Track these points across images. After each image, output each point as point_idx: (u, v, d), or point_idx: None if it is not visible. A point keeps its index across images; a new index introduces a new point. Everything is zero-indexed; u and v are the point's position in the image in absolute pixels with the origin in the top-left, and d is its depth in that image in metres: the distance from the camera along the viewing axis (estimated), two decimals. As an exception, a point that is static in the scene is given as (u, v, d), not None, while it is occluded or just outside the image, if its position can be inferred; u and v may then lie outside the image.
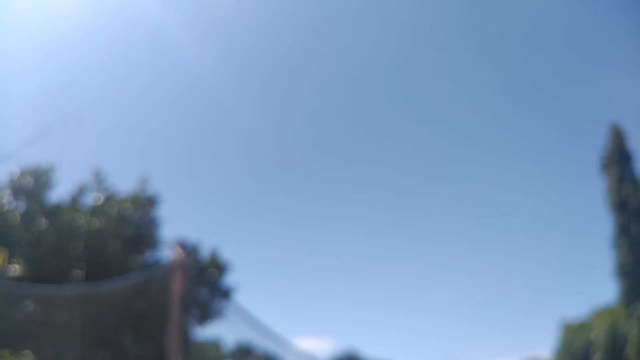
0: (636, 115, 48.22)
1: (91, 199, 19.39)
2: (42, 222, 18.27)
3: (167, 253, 11.26)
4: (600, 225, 27.64)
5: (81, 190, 19.53)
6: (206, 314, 20.69)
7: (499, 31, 52.76)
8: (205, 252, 20.75)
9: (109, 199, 19.65)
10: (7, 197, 18.50)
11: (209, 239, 25.03)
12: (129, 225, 19.37)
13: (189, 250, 10.91)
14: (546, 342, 34.55)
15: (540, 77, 54.02)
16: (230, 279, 21.32)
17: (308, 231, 53.45)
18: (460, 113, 54.63)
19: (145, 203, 19.75)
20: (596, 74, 50.54)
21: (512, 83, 54.16)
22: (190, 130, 50.83)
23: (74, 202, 19.24)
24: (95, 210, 19.10)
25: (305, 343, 44.55)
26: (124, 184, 20.43)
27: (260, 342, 23.79)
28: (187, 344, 20.56)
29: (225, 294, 20.99)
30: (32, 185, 19.32)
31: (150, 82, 44.36)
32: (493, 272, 49.54)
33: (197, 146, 53.03)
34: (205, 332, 21.63)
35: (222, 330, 22.10)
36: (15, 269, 16.31)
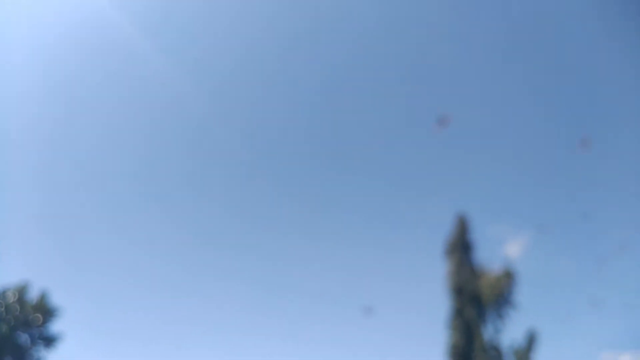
0: (481, 207, 53.60)
1: None
2: None
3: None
4: (441, 307, 29.55)
5: None
6: (23, 362, 19.13)
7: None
8: (33, 294, 19.55)
9: None
10: None
11: (42, 282, 23.56)
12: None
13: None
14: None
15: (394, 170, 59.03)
16: (57, 327, 20.08)
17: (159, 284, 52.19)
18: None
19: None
20: (445, 167, 56.21)
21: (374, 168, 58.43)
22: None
23: None
24: None
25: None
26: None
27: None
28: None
29: (48, 341, 19.64)
30: None
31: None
32: (340, 347, 50.70)
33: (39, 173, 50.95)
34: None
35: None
36: None
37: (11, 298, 18.81)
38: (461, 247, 30.14)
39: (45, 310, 19.67)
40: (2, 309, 18.49)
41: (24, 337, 19.31)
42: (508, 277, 29.70)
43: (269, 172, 59.32)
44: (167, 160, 58.36)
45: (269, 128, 59.75)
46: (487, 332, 28.47)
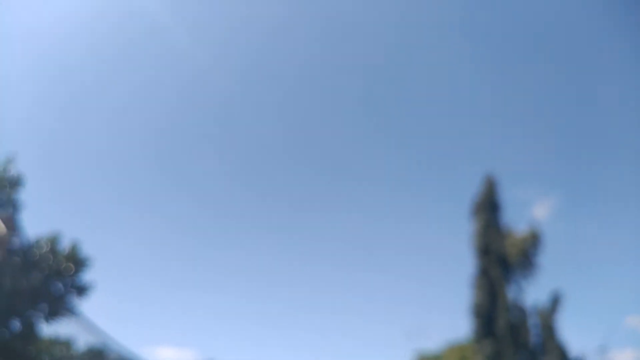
0: (510, 168, 52.93)
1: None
2: None
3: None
4: (464, 267, 29.45)
5: None
6: (56, 310, 19.61)
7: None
8: (65, 245, 19.83)
9: (-34, 174, 18.38)
10: None
11: (73, 232, 23.97)
12: (-16, 205, 18.14)
13: (16, 228, 10.32)
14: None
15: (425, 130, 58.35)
16: (88, 276, 20.41)
17: (175, 241, 53.35)
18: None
19: (5, 184, 18.65)
20: (474, 129, 55.37)
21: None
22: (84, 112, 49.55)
23: None
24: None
25: (166, 353, 43.59)
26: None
27: (114, 347, 22.93)
28: (32, 339, 19.40)
29: (80, 290, 20.04)
30: None
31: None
32: (362, 299, 51.58)
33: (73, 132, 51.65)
34: (55, 329, 20.46)
35: (73, 330, 21.05)
36: None
37: (44, 248, 19.10)
38: (488, 207, 29.78)
39: (76, 260, 19.99)
40: (36, 259, 18.81)
41: (57, 286, 19.68)
42: (534, 239, 29.39)
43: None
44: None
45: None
46: (512, 292, 28.41)
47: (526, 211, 46.64)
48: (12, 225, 9.59)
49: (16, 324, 18.59)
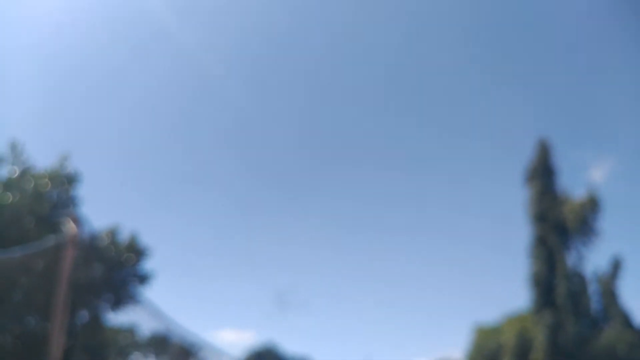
0: (564, 133, 50.92)
1: (6, 172, 18.54)
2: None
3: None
4: (519, 235, 28.73)
5: (-5, 162, 18.65)
6: (120, 299, 20.14)
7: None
8: (124, 236, 20.24)
9: (25, 173, 18.83)
10: None
11: (131, 224, 24.61)
12: (45, 202, 18.63)
13: (83, 225, 10.60)
14: (460, 344, 35.50)
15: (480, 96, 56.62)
16: (149, 265, 20.84)
17: (235, 225, 53.94)
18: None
19: (63, 180, 19.05)
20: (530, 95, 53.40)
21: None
22: (118, 110, 50.51)
23: (-14, 173, 18.37)
24: (10, 184, 18.29)
25: (227, 335, 44.60)
26: (43, 159, 19.56)
27: (177, 331, 23.49)
28: (98, 328, 20.05)
29: (142, 279, 20.50)
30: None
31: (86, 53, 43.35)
32: (416, 276, 51.20)
33: (124, 126, 52.60)
34: (120, 318, 21.04)
35: (137, 317, 21.60)
36: None
37: (105, 240, 19.55)
38: (543, 172, 28.81)
39: (136, 250, 20.41)
40: (99, 251, 19.27)
41: (120, 276, 20.16)
42: (592, 203, 28.33)
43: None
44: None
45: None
46: (571, 259, 27.62)
47: (582, 175, 45.06)
48: (78, 222, 9.79)
49: (84, 315, 19.24)
